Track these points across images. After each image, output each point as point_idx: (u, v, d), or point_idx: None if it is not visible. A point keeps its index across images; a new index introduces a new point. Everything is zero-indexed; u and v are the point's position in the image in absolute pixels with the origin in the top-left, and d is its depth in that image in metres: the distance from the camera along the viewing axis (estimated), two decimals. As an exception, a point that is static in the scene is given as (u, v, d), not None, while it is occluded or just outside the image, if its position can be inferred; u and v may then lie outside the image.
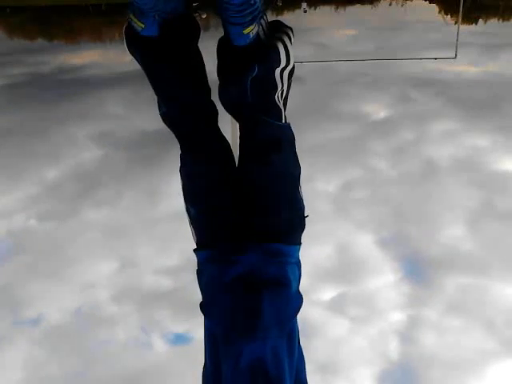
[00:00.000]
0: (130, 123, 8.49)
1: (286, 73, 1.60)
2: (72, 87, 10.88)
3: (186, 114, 1.57)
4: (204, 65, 1.56)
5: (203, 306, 1.53)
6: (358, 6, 25.16)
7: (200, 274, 1.58)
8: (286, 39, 1.57)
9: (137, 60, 1.55)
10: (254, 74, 1.46)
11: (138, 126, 8.21)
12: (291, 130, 1.65)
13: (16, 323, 4.26)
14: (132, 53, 1.53)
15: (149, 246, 5.07)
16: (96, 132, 8.11)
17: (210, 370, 1.46)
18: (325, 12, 22.02)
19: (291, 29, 1.63)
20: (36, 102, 9.67)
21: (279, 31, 1.58)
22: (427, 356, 3.91)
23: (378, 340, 4.09)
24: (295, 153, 1.67)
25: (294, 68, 1.65)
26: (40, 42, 17.99)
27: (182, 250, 4.95)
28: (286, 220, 1.54)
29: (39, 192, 6.31)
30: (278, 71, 1.55)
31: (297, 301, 1.55)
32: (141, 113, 8.94)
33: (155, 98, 1.63)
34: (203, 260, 1.56)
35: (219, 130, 1.62)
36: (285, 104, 1.65)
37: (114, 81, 11.35)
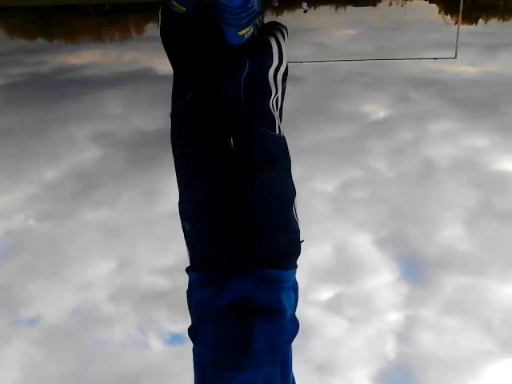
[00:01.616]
0: (130, 123, 8.50)
1: (279, 75, 1.56)
2: (71, 87, 10.89)
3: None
4: None
5: (191, 330, 1.49)
6: (358, 5, 25.16)
7: (190, 295, 1.54)
8: (279, 35, 1.55)
9: (169, 45, 1.54)
10: (246, 72, 1.45)
11: (138, 126, 8.22)
12: (286, 143, 1.59)
13: (14, 323, 4.27)
14: (165, 37, 1.53)
15: (147, 245, 5.07)
16: (95, 132, 8.11)
17: None
18: (325, 12, 22.02)
19: (285, 27, 1.61)
20: (35, 102, 9.68)
21: (273, 28, 1.57)
22: (425, 356, 3.91)
23: (376, 340, 4.08)
24: (289, 170, 1.60)
25: (287, 71, 1.60)
26: (40, 41, 18.00)
27: (180, 250, 4.93)
28: (281, 245, 1.51)
29: (38, 192, 6.32)
30: (271, 72, 1.52)
31: (291, 328, 1.51)
32: (140, 113, 8.96)
33: (172, 89, 1.58)
34: (195, 282, 1.53)
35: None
36: (280, 114, 1.61)
37: (113, 81, 11.36)
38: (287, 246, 1.53)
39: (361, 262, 4.95)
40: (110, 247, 5.07)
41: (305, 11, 18.40)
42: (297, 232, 1.58)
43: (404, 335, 4.10)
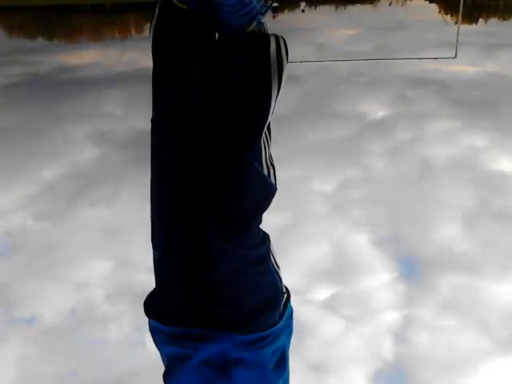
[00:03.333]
0: (128, 123, 8.51)
1: (276, 99, 1.33)
2: (70, 87, 10.91)
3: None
4: None
5: (165, 376, 1.40)
6: (358, 5, 25.18)
7: (156, 342, 1.39)
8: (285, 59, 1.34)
9: (159, 38, 1.35)
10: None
11: (136, 125, 8.22)
12: (274, 190, 1.36)
13: (10, 322, 4.27)
14: (156, 31, 1.35)
15: (144, 245, 5.04)
16: (93, 132, 8.12)
17: None
18: (325, 12, 22.02)
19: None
20: (34, 102, 9.69)
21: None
22: (421, 356, 3.91)
23: (372, 340, 4.08)
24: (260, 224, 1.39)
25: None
26: (40, 41, 18.02)
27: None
28: (259, 306, 1.31)
29: (36, 191, 6.32)
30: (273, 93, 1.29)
31: (274, 378, 1.37)
32: (139, 113, 8.95)
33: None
34: (159, 333, 1.36)
35: None
36: (272, 164, 1.37)
37: (112, 80, 11.37)
38: (266, 304, 1.32)
39: (358, 262, 4.95)
40: (107, 247, 5.07)
41: (302, 11, 18.41)
42: (276, 283, 1.36)
43: (400, 335, 4.10)
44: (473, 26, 18.63)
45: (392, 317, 4.27)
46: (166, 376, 1.38)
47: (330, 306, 4.42)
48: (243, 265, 1.27)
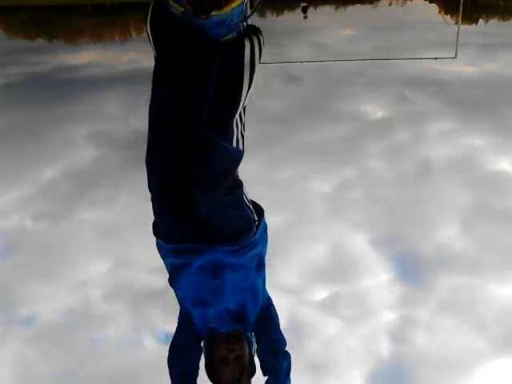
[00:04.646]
0: (127, 123, 8.52)
1: (248, 93, 1.62)
2: (70, 87, 10.91)
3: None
4: None
5: (170, 281, 1.83)
6: (358, 5, 25.19)
7: (162, 255, 1.82)
8: (255, 39, 1.58)
9: (156, 41, 1.56)
10: (219, 64, 1.50)
11: (135, 126, 8.22)
12: (240, 156, 1.70)
13: (9, 322, 4.28)
14: (154, 32, 1.55)
15: (142, 245, 5.07)
16: (92, 132, 8.13)
17: (184, 314, 1.88)
18: (325, 12, 22.03)
19: (260, 32, 1.63)
20: (33, 102, 9.70)
21: (250, 32, 1.60)
22: (418, 355, 3.92)
23: (370, 340, 4.09)
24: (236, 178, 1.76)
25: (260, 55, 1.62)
26: (39, 41, 18.03)
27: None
28: (238, 230, 1.73)
29: (35, 192, 6.33)
30: (243, 90, 1.59)
31: (254, 276, 1.84)
32: (138, 113, 8.95)
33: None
34: (164, 248, 1.78)
35: None
36: (242, 136, 1.71)
37: (111, 81, 11.37)
38: (240, 229, 1.74)
39: (356, 262, 4.96)
40: (105, 247, 5.08)
41: (305, 16, 18.36)
42: (248, 216, 1.77)
43: (398, 335, 4.11)
44: (473, 26, 18.63)
45: (390, 317, 4.28)
46: (170, 281, 1.83)
47: (328, 306, 4.42)
48: (222, 205, 1.66)
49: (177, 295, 1.89)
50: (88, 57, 14.46)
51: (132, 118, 8.71)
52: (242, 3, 1.49)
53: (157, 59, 1.57)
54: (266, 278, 1.94)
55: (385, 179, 6.48)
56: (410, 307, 4.35)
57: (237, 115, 1.63)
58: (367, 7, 24.95)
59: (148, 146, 1.62)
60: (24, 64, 13.40)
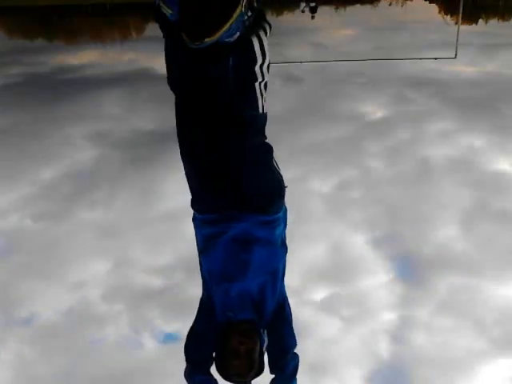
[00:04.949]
0: (126, 124, 8.50)
1: (264, 68, 1.74)
2: (70, 87, 10.91)
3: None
4: None
5: (201, 253, 1.92)
6: (358, 5, 25.19)
7: (196, 227, 1.94)
8: (262, 34, 1.66)
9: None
10: (232, 65, 1.62)
11: (134, 126, 8.22)
12: (265, 119, 1.86)
13: (8, 322, 4.28)
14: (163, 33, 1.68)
15: (141, 245, 5.08)
16: (92, 132, 8.12)
17: (205, 300, 1.95)
18: (325, 12, 22.00)
19: (269, 24, 1.71)
20: (33, 102, 9.69)
21: (257, 25, 1.66)
22: (417, 356, 3.91)
23: (369, 340, 4.08)
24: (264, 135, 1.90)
25: (269, 64, 1.77)
26: (39, 41, 18.02)
27: (174, 249, 4.96)
28: (273, 193, 1.86)
29: (34, 192, 6.32)
30: (257, 67, 1.70)
31: (282, 253, 1.93)
32: (137, 113, 8.97)
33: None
34: (198, 220, 1.91)
35: None
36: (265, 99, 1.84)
37: (111, 81, 11.37)
38: (273, 193, 1.86)
39: (356, 262, 4.96)
40: (104, 247, 5.08)
41: (302, 11, 18.35)
42: (280, 179, 1.88)
43: (397, 335, 4.10)
44: (473, 26, 18.62)
45: (389, 317, 4.28)
46: (201, 253, 1.91)
47: (327, 306, 4.42)
48: (256, 161, 1.81)
49: (203, 275, 1.96)
50: (88, 57, 14.46)
51: (132, 118, 8.72)
52: (237, 21, 1.52)
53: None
54: (285, 270, 1.98)
55: (385, 179, 6.48)
56: (409, 307, 4.34)
57: (257, 84, 1.75)
58: (367, 7, 24.95)
59: (178, 117, 1.79)
60: (24, 64, 13.40)
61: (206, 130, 1.75)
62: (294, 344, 1.99)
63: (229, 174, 1.78)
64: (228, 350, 1.77)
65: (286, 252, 1.97)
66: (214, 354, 1.92)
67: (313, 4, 17.65)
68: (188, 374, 1.98)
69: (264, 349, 1.86)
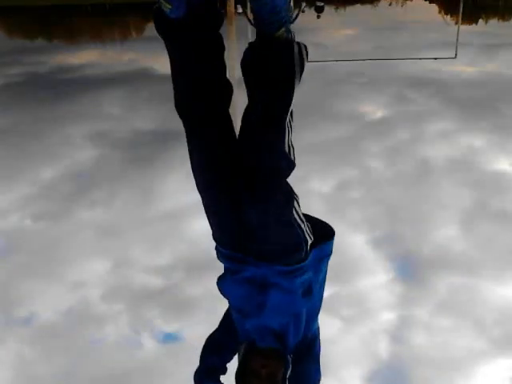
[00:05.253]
0: (126, 123, 8.51)
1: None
2: (69, 87, 10.91)
3: (201, 91, 1.63)
4: (224, 50, 1.63)
5: (218, 281, 1.85)
6: (358, 5, 25.20)
7: (218, 256, 1.85)
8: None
9: (164, 41, 1.61)
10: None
11: (134, 126, 8.23)
12: (291, 165, 1.73)
13: (7, 322, 4.27)
14: (160, 34, 1.59)
15: (141, 245, 5.08)
16: (92, 132, 8.13)
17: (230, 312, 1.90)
18: (325, 12, 21.99)
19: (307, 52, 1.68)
20: (33, 102, 9.70)
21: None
22: (417, 356, 3.90)
23: (369, 340, 4.08)
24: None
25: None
26: (39, 41, 18.04)
27: (174, 249, 4.97)
28: (290, 248, 1.72)
29: (34, 192, 6.33)
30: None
31: (302, 303, 1.80)
32: (137, 113, 8.97)
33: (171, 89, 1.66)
34: (221, 253, 1.82)
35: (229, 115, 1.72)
36: (292, 145, 1.77)
37: (111, 81, 11.37)
38: (292, 248, 1.72)
39: (356, 262, 4.95)
40: (104, 247, 5.08)
41: (303, 11, 18.29)
42: (299, 235, 1.72)
43: (397, 335, 4.10)
44: (473, 26, 18.63)
45: (389, 317, 4.27)
46: (219, 280, 1.84)
47: (327, 306, 4.41)
48: (270, 220, 1.66)
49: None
50: (88, 57, 14.47)
51: (132, 117, 8.72)
52: None
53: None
54: (319, 308, 1.96)
55: (385, 179, 6.48)
56: (409, 307, 4.34)
57: (288, 115, 1.65)
58: (367, 7, 24.97)
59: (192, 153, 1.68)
60: (24, 64, 13.41)
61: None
62: (318, 379, 1.98)
63: (240, 222, 1.69)
64: (250, 370, 1.75)
65: (311, 299, 1.84)
66: (227, 364, 1.94)
67: (320, 3, 17.52)
68: (198, 378, 1.95)
69: (288, 375, 1.81)
